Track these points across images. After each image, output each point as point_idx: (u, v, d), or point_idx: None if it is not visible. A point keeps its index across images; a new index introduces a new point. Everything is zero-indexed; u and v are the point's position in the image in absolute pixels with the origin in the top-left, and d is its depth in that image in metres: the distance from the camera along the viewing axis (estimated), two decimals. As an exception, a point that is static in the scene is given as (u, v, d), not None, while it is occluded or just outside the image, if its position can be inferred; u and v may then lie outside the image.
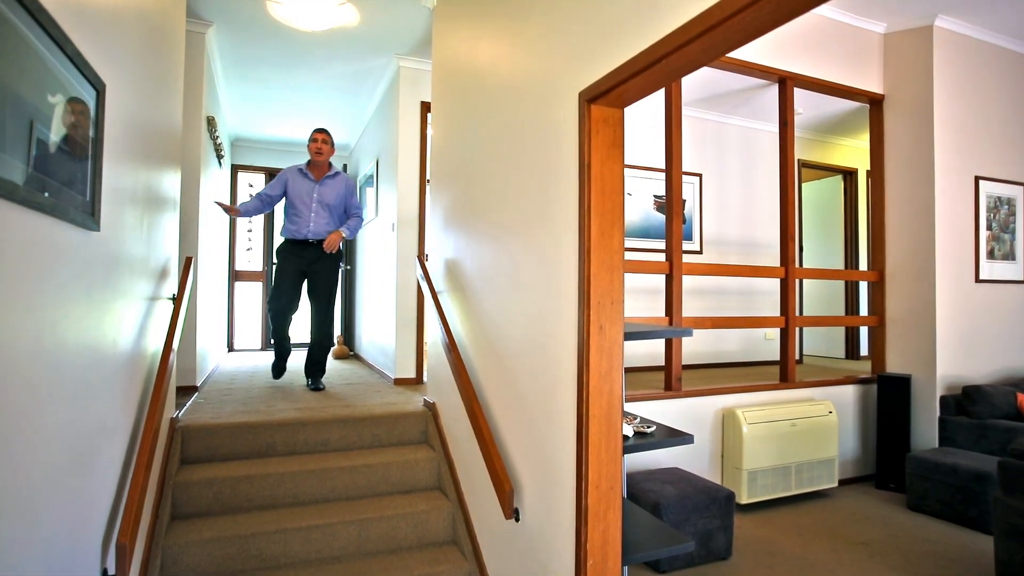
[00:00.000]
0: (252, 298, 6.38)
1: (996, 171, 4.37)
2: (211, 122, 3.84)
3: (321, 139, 3.77)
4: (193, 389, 3.52)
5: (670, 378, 3.53)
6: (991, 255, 4.35)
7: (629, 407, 3.28)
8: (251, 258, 6.38)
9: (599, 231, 1.55)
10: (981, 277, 4.25)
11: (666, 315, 3.56)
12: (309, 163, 3.84)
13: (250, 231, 6.33)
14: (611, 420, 1.55)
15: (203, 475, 2.43)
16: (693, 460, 3.53)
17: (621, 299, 1.57)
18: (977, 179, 4.28)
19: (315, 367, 3.85)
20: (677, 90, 3.63)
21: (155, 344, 2.21)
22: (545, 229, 1.81)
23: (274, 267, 3.93)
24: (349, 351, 5.84)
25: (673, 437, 1.69)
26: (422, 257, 4.00)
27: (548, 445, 1.75)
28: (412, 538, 2.45)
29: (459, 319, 2.69)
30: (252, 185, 6.38)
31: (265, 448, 2.72)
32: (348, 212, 3.93)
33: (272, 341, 4.02)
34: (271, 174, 6.48)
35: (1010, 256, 4.45)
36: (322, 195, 3.79)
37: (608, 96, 1.50)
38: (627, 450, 1.64)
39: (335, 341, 5.87)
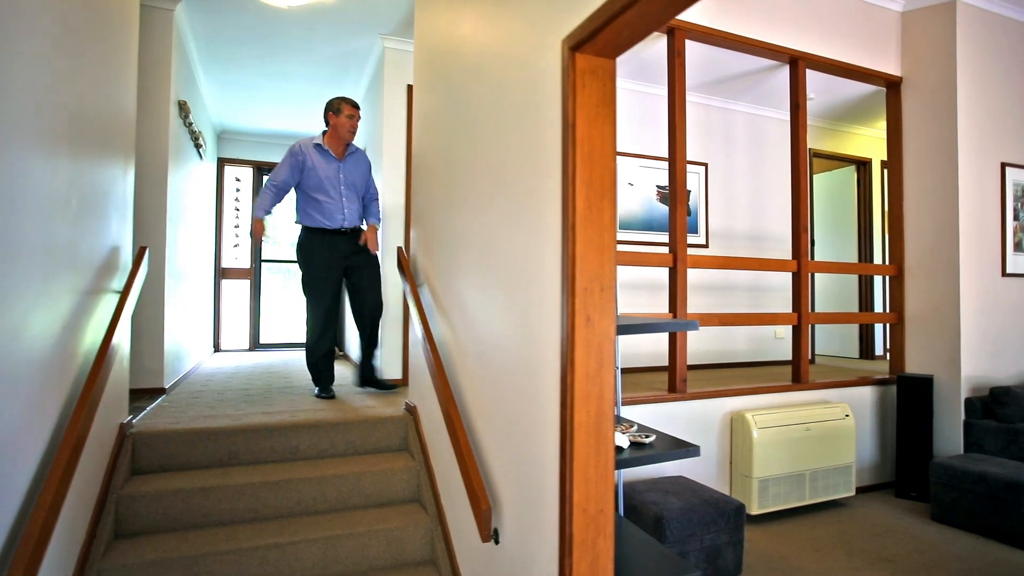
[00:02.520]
0: (240, 297, 6.16)
1: (1023, 158, 4.08)
2: (183, 107, 3.60)
3: (357, 114, 3.29)
4: (160, 391, 3.28)
5: (674, 379, 3.27)
6: (1018, 247, 4.07)
7: (627, 412, 3.02)
8: (238, 255, 6.15)
9: (585, 203, 1.29)
10: (1008, 271, 3.97)
11: (670, 311, 3.30)
12: (324, 136, 3.28)
13: (237, 227, 6.10)
14: (601, 429, 1.30)
15: (153, 487, 2.18)
16: (700, 468, 3.27)
17: (613, 285, 1.32)
18: (1003, 166, 4.00)
19: (372, 369, 3.50)
20: (681, 68, 3.36)
21: (93, 342, 1.97)
22: (528, 206, 1.55)
23: (303, 264, 3.28)
24: (338, 351, 5.60)
25: (676, 449, 1.43)
26: (403, 247, 3.74)
27: (529, 458, 1.50)
28: (385, 557, 2.20)
29: (439, 313, 2.43)
30: (239, 179, 6.15)
31: (227, 457, 2.47)
32: (367, 195, 3.43)
33: (314, 351, 3.31)
34: (259, 168, 6.25)
35: (1038, 249, 4.16)
36: (348, 175, 3.29)
37: (596, 41, 1.24)
38: (621, 464, 1.38)
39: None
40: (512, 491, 1.61)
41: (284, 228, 6.83)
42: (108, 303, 2.14)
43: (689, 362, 4.53)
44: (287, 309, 6.61)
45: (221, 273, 6.01)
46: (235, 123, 5.78)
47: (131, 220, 2.49)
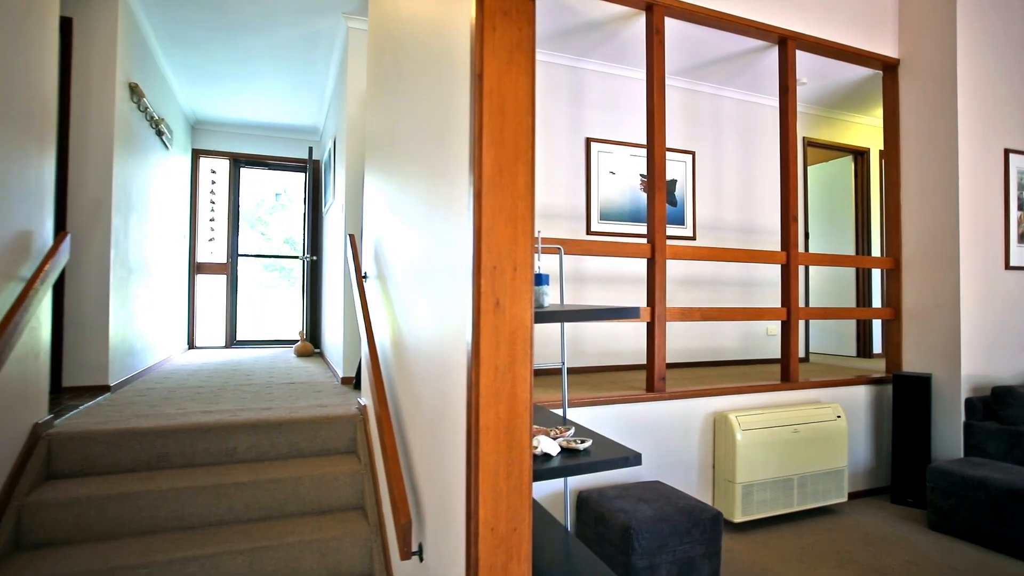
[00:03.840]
0: (216, 292, 5.98)
1: (1028, 143, 3.85)
2: (135, 90, 3.42)
3: None
4: (103, 389, 3.09)
5: (652, 377, 3.07)
6: (1022, 239, 3.83)
7: (599, 413, 2.81)
8: (214, 249, 5.97)
9: (494, 166, 1.09)
10: (1012, 264, 3.74)
11: (648, 305, 3.09)
12: None
13: (212, 220, 5.92)
14: (514, 434, 1.10)
15: (66, 494, 1.99)
16: (679, 472, 3.06)
17: (530, 264, 1.11)
18: (1007, 152, 3.77)
19: None
20: (660, 47, 3.15)
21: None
22: (441, 176, 1.35)
23: None
24: (314, 349, 5.42)
25: (615, 456, 1.23)
26: (354, 235, 3.52)
27: (443, 467, 1.30)
28: (317, 570, 2.00)
29: (380, 304, 2.24)
30: (215, 171, 5.97)
31: (155, 460, 2.28)
32: None
33: None
34: (236, 160, 6.07)
35: (1044, 240, 3.92)
36: None
37: (506, -27, 1.04)
38: (543, 475, 1.18)
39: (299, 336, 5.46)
40: (432, 503, 1.42)
41: (277, 224, 6.68)
42: (9, 291, 1.95)
43: (674, 360, 4.33)
44: (269, 306, 6.44)
45: (196, 268, 5.83)
46: (210, 113, 5.60)
47: (51, 206, 2.30)
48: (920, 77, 3.81)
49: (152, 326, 4.17)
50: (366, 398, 2.65)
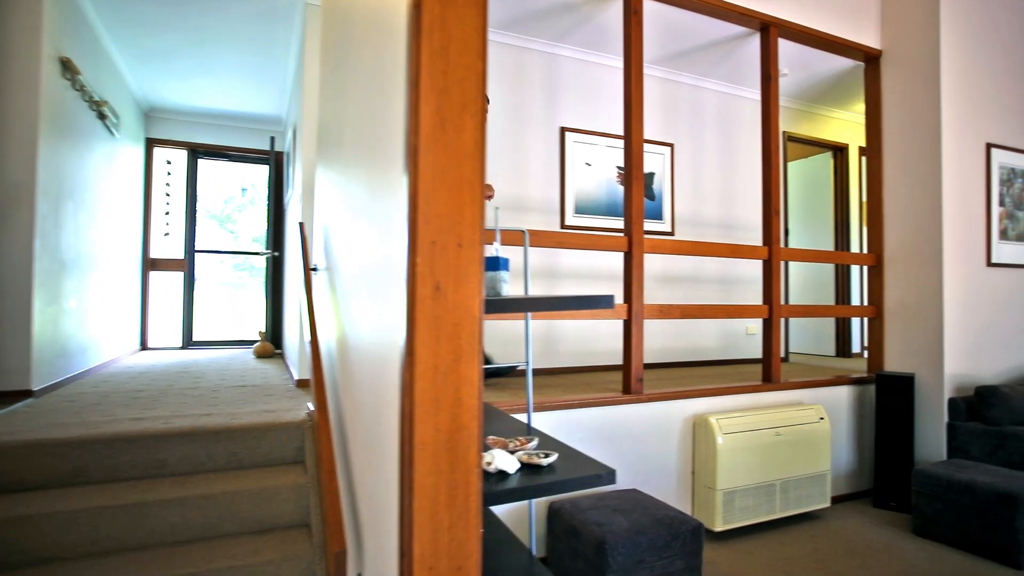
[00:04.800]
0: (173, 290, 5.64)
1: (1009, 138, 3.78)
2: (68, 66, 3.11)
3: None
4: (24, 394, 2.79)
5: (629, 378, 2.88)
6: (1004, 235, 3.76)
7: (571, 417, 2.61)
8: (169, 245, 5.63)
9: (435, 118, 0.88)
10: (993, 260, 3.65)
11: (624, 301, 2.91)
12: None
13: (167, 214, 5.58)
14: (458, 450, 0.89)
15: (-45, 517, 1.72)
16: (657, 480, 2.88)
17: (478, 240, 0.91)
18: (989, 146, 3.69)
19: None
20: (638, 28, 2.98)
21: None
22: (380, 139, 1.14)
23: None
24: (275, 350, 5.13)
25: (584, 474, 1.03)
26: (304, 224, 3.27)
27: (377, 488, 1.08)
28: (251, 602, 1.76)
29: (328, 299, 2.01)
30: (171, 162, 5.63)
31: (70, 474, 2.01)
32: None
33: None
34: (195, 151, 5.74)
35: (1024, 237, 3.86)
36: None
37: None
38: (496, 499, 0.97)
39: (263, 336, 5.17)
40: (372, 529, 1.20)
41: (247, 221, 6.36)
42: None
43: (652, 360, 4.16)
44: (236, 305, 6.12)
45: (149, 264, 5.48)
46: (165, 99, 5.27)
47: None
48: (903, 69, 3.71)
49: (93, 325, 3.86)
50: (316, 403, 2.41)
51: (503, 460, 1.04)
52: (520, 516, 2.51)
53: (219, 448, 2.20)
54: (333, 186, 1.92)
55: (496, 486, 1.02)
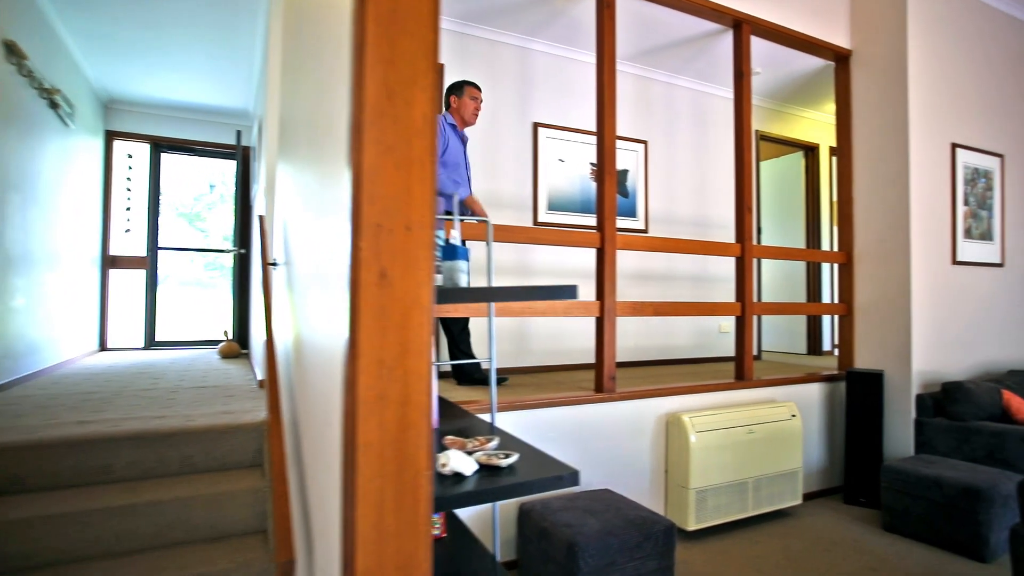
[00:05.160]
0: (135, 289, 5.43)
1: (973, 139, 3.84)
2: (13, 49, 2.95)
3: (480, 95, 3.17)
4: (-40, 397, 2.63)
5: (602, 377, 2.84)
6: (968, 234, 3.82)
7: (542, 416, 2.55)
8: (131, 242, 5.42)
9: (381, 90, 0.81)
10: (958, 259, 3.71)
11: (597, 298, 2.86)
12: (449, 113, 3.13)
13: (128, 210, 5.37)
14: (406, 450, 0.82)
15: None
16: (630, 479, 2.84)
17: (429, 223, 0.84)
18: (954, 147, 3.74)
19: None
20: (611, 22, 2.94)
21: None
22: (328, 117, 1.06)
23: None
24: (241, 349, 4.97)
25: (545, 476, 0.97)
26: (264, 216, 3.15)
27: (323, 493, 1.01)
28: (200, 615, 1.66)
29: (285, 294, 1.92)
30: (132, 156, 5.42)
31: (7, 482, 1.88)
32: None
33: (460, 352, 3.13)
34: (158, 144, 5.54)
35: (988, 236, 3.93)
36: (468, 159, 3.19)
37: None
38: (449, 503, 0.90)
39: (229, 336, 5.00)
40: (320, 539, 1.12)
41: (216, 219, 6.16)
42: None
43: (626, 359, 4.13)
44: (203, 305, 5.93)
45: (109, 262, 5.27)
46: (125, 90, 5.07)
47: None
48: (872, 69, 3.75)
49: (45, 324, 3.67)
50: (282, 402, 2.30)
51: (459, 461, 0.97)
52: (489, 519, 2.44)
53: (171, 452, 2.09)
54: (289, 177, 1.83)
55: (451, 489, 0.95)
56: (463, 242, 2.68)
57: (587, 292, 4.00)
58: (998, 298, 3.89)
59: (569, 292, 0.99)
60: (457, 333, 3.13)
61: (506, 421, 2.50)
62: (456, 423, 1.43)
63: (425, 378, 0.84)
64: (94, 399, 2.75)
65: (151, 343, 5.48)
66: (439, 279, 1.11)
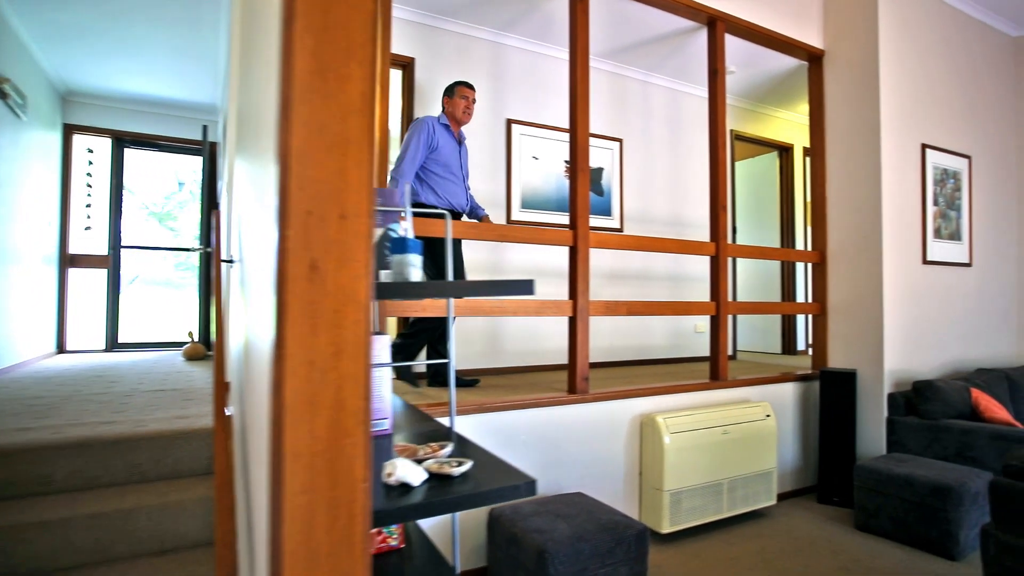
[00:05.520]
0: (96, 288, 5.23)
1: (942, 140, 3.88)
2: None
3: (473, 95, 3.18)
4: None
5: (575, 378, 2.78)
6: (938, 234, 3.86)
7: (512, 418, 2.48)
8: (91, 240, 5.22)
9: (312, 63, 0.73)
10: (928, 258, 3.74)
11: (570, 298, 2.81)
12: (444, 115, 3.15)
13: (89, 207, 5.17)
14: (340, 461, 0.74)
15: None
16: (603, 482, 2.79)
17: (367, 210, 0.76)
18: (924, 147, 3.77)
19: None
20: (584, 16, 2.88)
21: None
22: (265, 97, 0.98)
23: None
24: (206, 351, 4.82)
25: (499, 486, 0.90)
26: (219, 211, 3.04)
27: (255, 506, 0.92)
28: (142, 635, 1.56)
29: (238, 291, 1.82)
30: (92, 151, 5.22)
31: (-67, 495, 1.75)
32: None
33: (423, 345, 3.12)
34: (120, 139, 5.35)
35: (956, 236, 3.97)
36: (463, 160, 3.20)
37: None
38: (391, 517, 0.83)
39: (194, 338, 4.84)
40: (261, 555, 1.03)
41: (187, 216, 5.97)
42: None
43: (601, 359, 4.08)
44: (172, 306, 5.73)
45: (68, 261, 5.07)
46: (85, 82, 4.87)
47: None
48: (844, 69, 3.76)
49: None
50: (235, 406, 2.20)
51: (406, 471, 0.90)
52: (448, 529, 2.37)
53: (118, 460, 1.97)
54: (243, 170, 1.74)
55: (396, 501, 0.87)
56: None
57: (563, 291, 3.95)
58: (966, 297, 3.94)
59: (525, 287, 0.93)
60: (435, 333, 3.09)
61: (474, 424, 2.43)
62: (413, 428, 1.35)
63: (362, 381, 0.76)
64: (39, 405, 2.61)
65: (113, 345, 5.28)
66: (388, 274, 1.03)
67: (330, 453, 0.74)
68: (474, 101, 3.22)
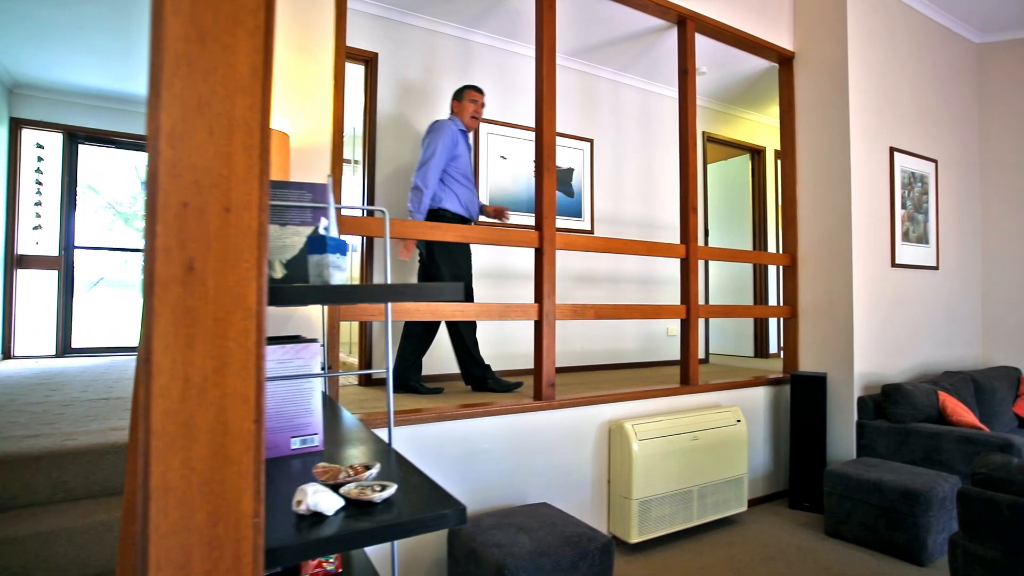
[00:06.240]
0: (45, 291, 4.99)
1: (910, 144, 3.90)
2: None
3: (482, 99, 3.20)
4: None
5: (540, 384, 2.69)
6: (906, 237, 3.87)
7: (471, 427, 2.38)
8: (40, 240, 4.97)
9: (187, 29, 0.63)
10: (897, 262, 3.74)
11: (535, 301, 2.72)
12: (454, 118, 3.15)
13: (39, 204, 4.93)
14: (224, 495, 0.64)
15: None
16: (570, 492, 2.70)
17: (257, 203, 0.66)
18: (892, 150, 3.78)
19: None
20: (550, 10, 2.80)
21: None
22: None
23: (447, 261, 3.03)
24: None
25: (423, 516, 0.79)
26: None
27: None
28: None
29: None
30: (43, 146, 4.98)
31: None
32: None
33: (473, 355, 3.12)
34: (73, 135, 5.12)
35: (924, 239, 3.99)
36: (472, 164, 3.24)
37: None
38: (287, 556, 0.72)
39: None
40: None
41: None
42: None
43: (572, 363, 4.01)
44: (130, 308, 5.50)
45: (15, 261, 4.82)
46: (33, 74, 4.64)
47: None
48: (815, 72, 3.75)
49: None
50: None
51: (319, 497, 0.79)
52: (414, 546, 2.26)
53: (40, 477, 1.82)
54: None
55: (304, 535, 0.77)
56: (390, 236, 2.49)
57: (528, 295, 3.86)
58: (933, 300, 3.96)
59: (451, 292, 0.83)
60: (468, 338, 3.13)
61: (431, 434, 2.32)
62: (352, 447, 1.24)
63: (251, 400, 0.66)
64: (-32, 416, 2.43)
65: (66, 350, 5.04)
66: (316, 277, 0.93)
67: (210, 486, 0.64)
68: (483, 105, 3.19)
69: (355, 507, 0.84)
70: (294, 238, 1.11)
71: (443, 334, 3.33)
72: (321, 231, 0.91)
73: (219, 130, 0.65)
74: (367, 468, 0.92)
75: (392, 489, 0.85)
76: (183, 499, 0.62)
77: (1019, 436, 2.92)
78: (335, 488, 0.88)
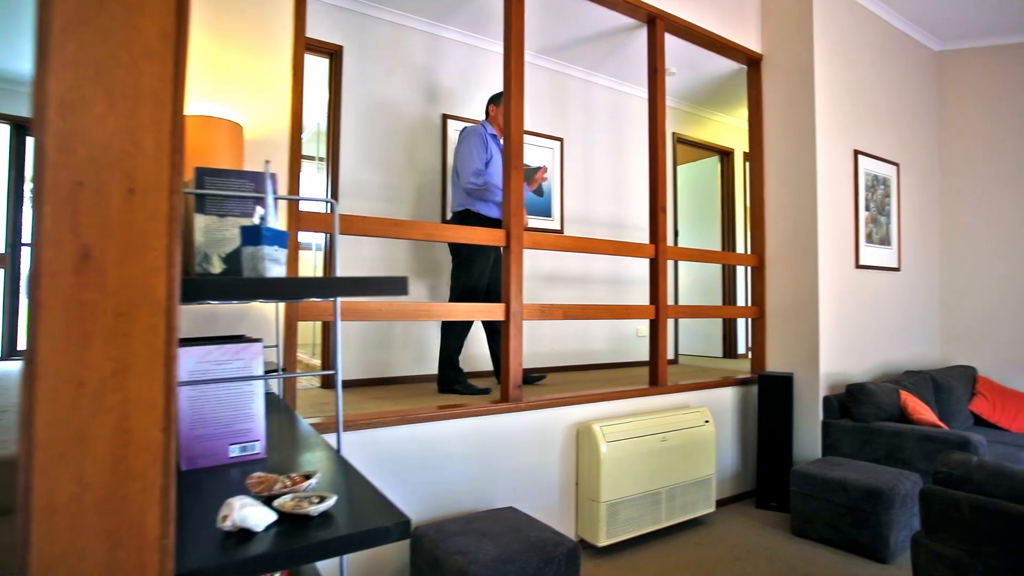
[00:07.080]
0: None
1: (873, 147, 3.97)
2: None
3: None
4: None
5: (507, 385, 2.63)
6: (869, 239, 3.93)
7: (439, 429, 2.31)
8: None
9: (84, -16, 0.55)
10: (861, 263, 3.80)
11: (502, 300, 2.66)
12: (488, 123, 3.19)
13: (-18, 199, 4.68)
14: (124, 514, 0.56)
15: None
16: (538, 495, 2.65)
17: (166, 184, 0.59)
18: (856, 153, 3.84)
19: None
20: (519, 5, 2.75)
21: None
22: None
23: (475, 262, 3.10)
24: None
25: (363, 530, 0.73)
26: None
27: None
28: None
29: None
30: (-13, 138, 4.73)
31: None
32: None
33: (452, 357, 3.12)
34: (21, 126, 4.86)
35: (886, 241, 4.07)
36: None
37: None
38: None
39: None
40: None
41: None
42: None
43: (540, 364, 3.96)
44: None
45: (-44, 260, 4.56)
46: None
47: None
48: (782, 74, 3.78)
49: None
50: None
51: (247, 512, 0.72)
52: (373, 555, 2.17)
53: (-36, 490, 1.68)
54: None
55: (228, 554, 0.69)
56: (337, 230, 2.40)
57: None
58: (895, 301, 4.03)
59: (397, 286, 0.77)
60: (492, 334, 3.18)
61: (392, 438, 2.24)
62: (299, 452, 1.16)
63: (159, 406, 0.58)
64: None
65: (11, 352, 4.78)
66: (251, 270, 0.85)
67: (108, 504, 0.56)
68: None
69: (290, 521, 0.76)
70: (234, 230, 1.03)
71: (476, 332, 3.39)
72: (256, 220, 0.84)
73: (122, 101, 0.57)
74: (307, 477, 0.85)
75: (331, 501, 0.78)
76: (74, 521, 0.54)
77: (976, 433, 2.98)
78: (269, 501, 0.80)
